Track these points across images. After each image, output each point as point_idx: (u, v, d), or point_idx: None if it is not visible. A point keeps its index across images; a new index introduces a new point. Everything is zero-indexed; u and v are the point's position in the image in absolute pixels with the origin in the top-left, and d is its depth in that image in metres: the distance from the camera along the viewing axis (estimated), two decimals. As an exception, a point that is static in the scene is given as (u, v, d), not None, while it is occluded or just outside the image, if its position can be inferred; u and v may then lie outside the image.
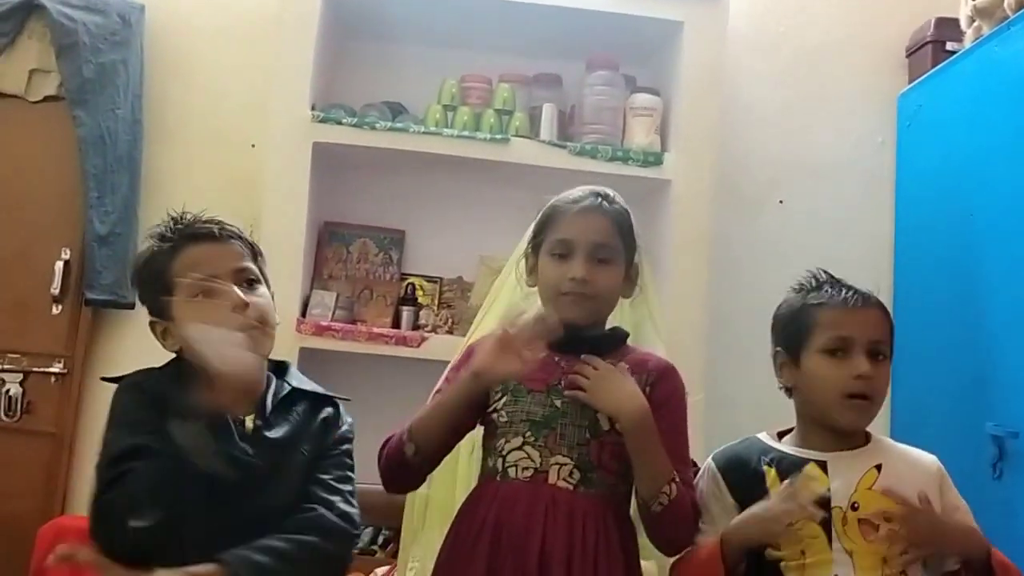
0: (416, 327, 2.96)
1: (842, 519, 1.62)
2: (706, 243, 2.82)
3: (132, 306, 2.90)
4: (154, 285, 1.60)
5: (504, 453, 1.59)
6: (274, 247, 2.80)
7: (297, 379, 1.70)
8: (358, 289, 3.02)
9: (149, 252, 1.63)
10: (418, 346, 2.83)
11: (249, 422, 1.57)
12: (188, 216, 1.66)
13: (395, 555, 2.58)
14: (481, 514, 1.57)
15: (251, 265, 1.66)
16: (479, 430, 1.72)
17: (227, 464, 1.46)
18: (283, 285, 2.79)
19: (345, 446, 1.68)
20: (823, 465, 1.65)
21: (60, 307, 2.87)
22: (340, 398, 1.74)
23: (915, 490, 1.65)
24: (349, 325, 2.87)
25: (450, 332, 2.95)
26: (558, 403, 1.59)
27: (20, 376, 2.78)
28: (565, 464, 1.56)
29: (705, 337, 2.75)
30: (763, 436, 1.76)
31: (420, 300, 3.04)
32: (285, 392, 1.64)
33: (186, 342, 1.53)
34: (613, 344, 1.68)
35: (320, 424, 1.64)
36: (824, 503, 1.61)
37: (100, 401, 2.88)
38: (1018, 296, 2.56)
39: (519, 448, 1.58)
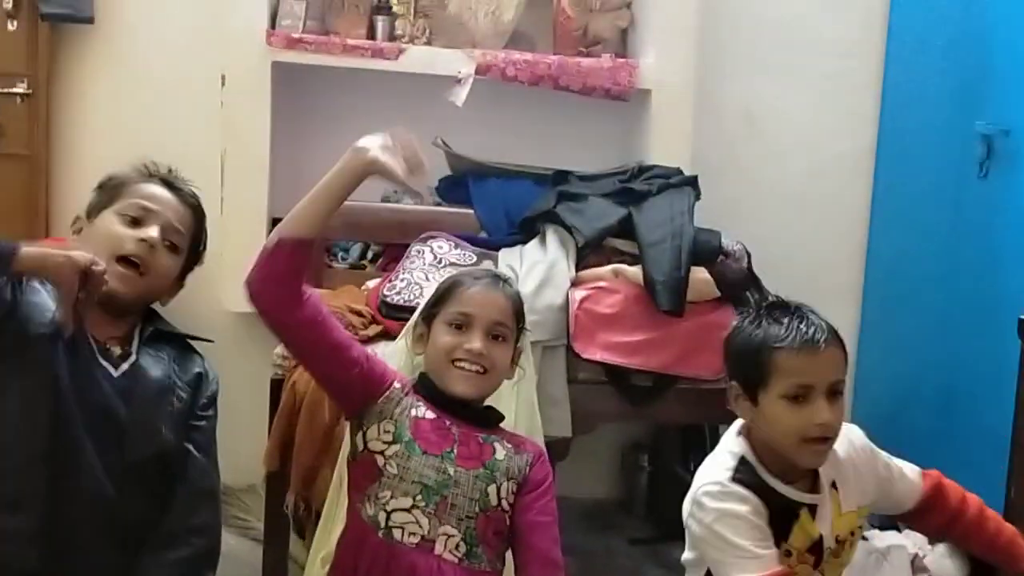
0: (392, 38, 2.83)
1: (832, 553, 1.65)
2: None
3: (91, 20, 2.76)
4: (107, 193, 1.72)
5: (389, 510, 1.55)
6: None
7: (164, 324, 1.74)
8: (329, -2, 2.86)
9: (121, 173, 1.75)
10: (396, 58, 2.72)
11: (115, 349, 1.62)
12: (171, 170, 1.78)
13: (384, 268, 2.62)
14: (363, 571, 1.54)
15: (183, 231, 1.73)
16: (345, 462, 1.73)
17: (88, 380, 1.54)
18: (247, -7, 2.65)
19: (213, 411, 1.73)
20: (812, 509, 1.62)
21: (15, 23, 2.73)
22: (203, 339, 1.78)
23: (866, 484, 1.70)
24: (322, 37, 2.74)
25: (428, 43, 2.83)
26: (451, 471, 1.57)
27: (-16, 99, 2.71)
28: (452, 536, 1.55)
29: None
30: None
31: (395, 9, 2.89)
32: (150, 331, 1.69)
33: (85, 241, 1.65)
34: (494, 421, 1.70)
35: (194, 377, 1.69)
36: (817, 546, 1.61)
37: (70, 122, 2.83)
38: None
39: (407, 511, 1.55)
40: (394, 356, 2.00)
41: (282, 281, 1.54)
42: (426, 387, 1.66)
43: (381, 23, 2.83)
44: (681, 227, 2.38)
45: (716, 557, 1.57)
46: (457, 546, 1.55)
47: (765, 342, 1.61)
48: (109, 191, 1.70)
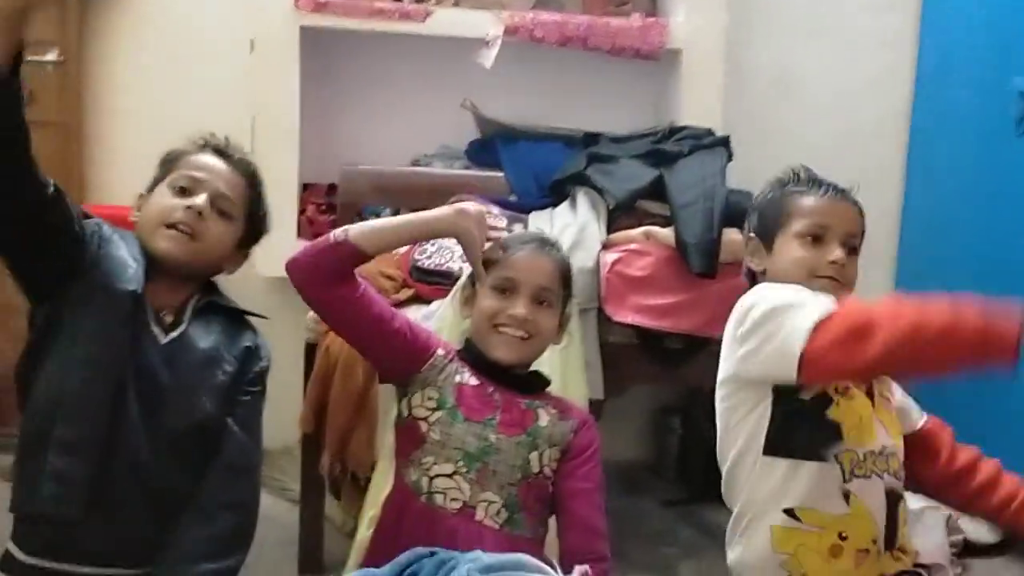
0: (420, 0, 2.81)
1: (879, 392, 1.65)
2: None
3: (120, -13, 2.77)
4: (163, 167, 1.70)
5: (431, 475, 1.56)
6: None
7: (220, 297, 1.71)
8: (356, -40, 2.84)
9: (178, 147, 1.73)
10: (423, 21, 2.71)
11: (168, 317, 1.61)
12: (227, 139, 1.76)
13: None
14: (404, 535, 1.54)
15: (234, 198, 1.70)
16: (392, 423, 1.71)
17: (137, 343, 1.54)
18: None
19: (260, 387, 1.70)
20: None
21: (45, -8, 2.75)
22: (258, 315, 1.75)
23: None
24: (349, 0, 2.72)
25: (456, 5, 2.81)
26: (492, 438, 1.57)
27: (16, 66, 2.73)
28: (494, 502, 1.55)
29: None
30: None
31: (423, -30, 2.87)
32: (203, 303, 1.67)
33: (143, 216, 1.66)
34: (540, 386, 1.69)
35: (243, 351, 1.66)
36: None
37: (102, 89, 2.84)
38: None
39: (449, 476, 1.56)
40: (443, 321, 2.00)
41: (328, 275, 1.57)
42: (470, 352, 1.65)
43: (409, -15, 2.82)
44: (713, 188, 2.36)
45: (777, 339, 1.47)
46: (498, 512, 1.55)
47: (785, 190, 1.72)
48: (165, 165, 1.69)
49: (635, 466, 3.04)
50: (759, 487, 1.56)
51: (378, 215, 2.78)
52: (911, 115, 3.08)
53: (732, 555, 1.62)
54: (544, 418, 1.62)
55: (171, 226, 1.61)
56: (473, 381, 1.61)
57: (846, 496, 1.53)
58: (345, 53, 2.88)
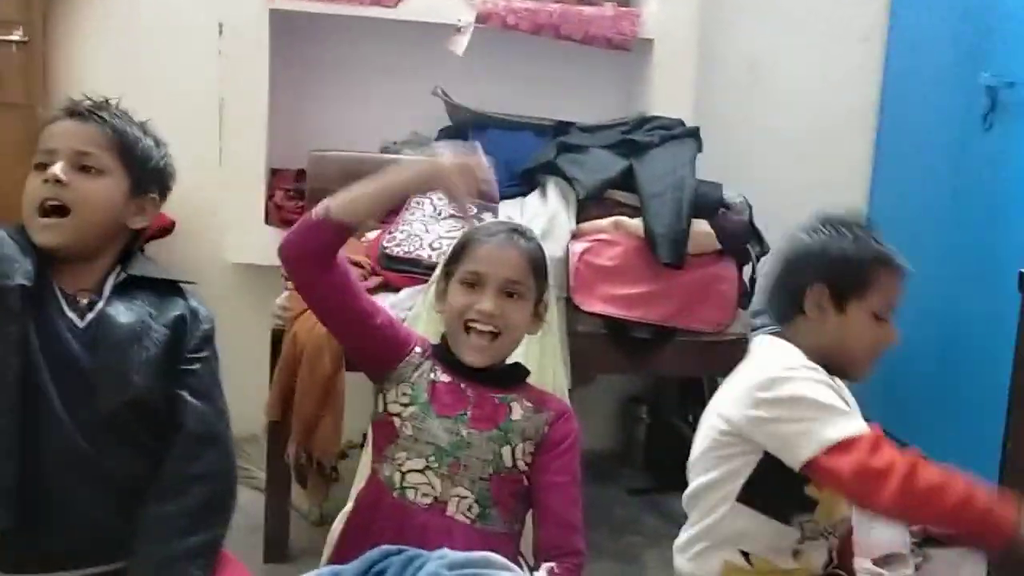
0: (392, -15, 2.80)
1: None
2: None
3: (85, -33, 2.72)
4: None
5: (404, 470, 1.56)
6: None
7: (140, 267, 1.60)
8: (327, -56, 2.81)
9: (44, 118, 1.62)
10: (394, 6, 2.69)
11: (83, 299, 1.53)
12: (85, 98, 1.61)
13: (384, 220, 2.61)
14: (376, 530, 1.54)
15: (95, 151, 1.56)
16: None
17: (52, 332, 1.47)
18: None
19: (209, 351, 1.60)
20: None
21: (9, -30, 2.70)
22: (185, 282, 1.63)
23: None
24: (321, -16, 2.71)
25: (428, -10, 2.80)
26: (464, 433, 1.56)
27: (-22, 47, 2.69)
28: (465, 497, 1.54)
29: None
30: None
31: (395, -46, 2.85)
32: (122, 279, 1.56)
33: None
34: (516, 379, 1.66)
35: (175, 320, 1.57)
36: None
37: (67, 70, 2.80)
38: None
39: (420, 471, 1.55)
40: (417, 318, 2.00)
41: (318, 253, 1.55)
42: (443, 352, 1.63)
43: (380, -30, 2.80)
44: (682, 179, 2.37)
45: (796, 428, 1.48)
46: (470, 508, 1.55)
47: (879, 256, 1.64)
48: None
49: (603, 455, 3.06)
50: (723, 524, 1.60)
51: (347, 202, 2.77)
52: (880, 109, 3.10)
53: (683, 566, 1.67)
54: (517, 412, 1.60)
55: (42, 212, 1.52)
56: (445, 378, 1.60)
57: (795, 554, 1.60)
58: (315, 37, 2.86)
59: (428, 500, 1.54)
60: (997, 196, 2.48)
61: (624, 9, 2.81)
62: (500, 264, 1.61)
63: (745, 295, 2.42)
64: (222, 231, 2.61)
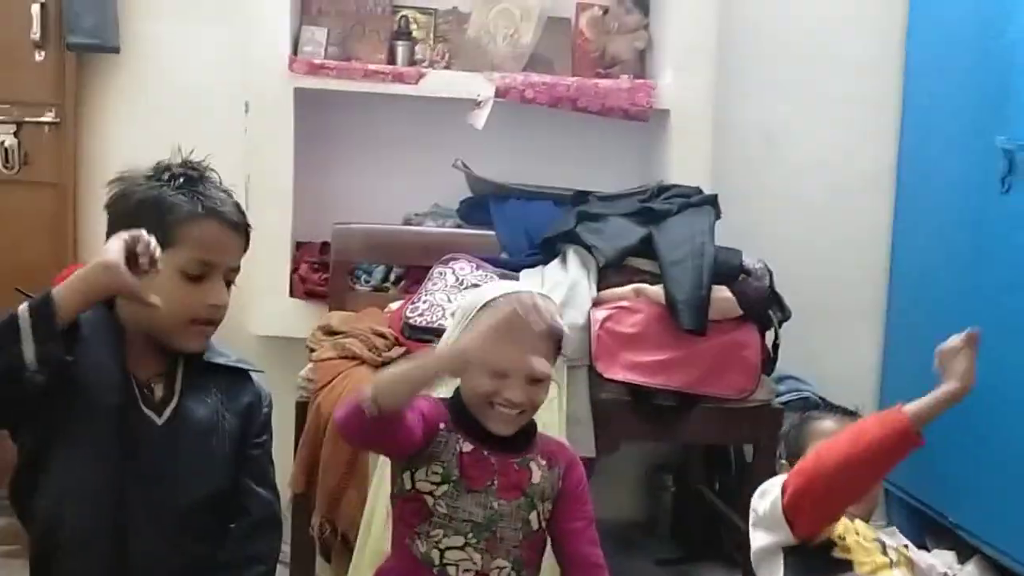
0: (412, 63, 2.86)
1: None
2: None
3: (117, 50, 2.81)
4: (153, 223, 1.47)
5: (442, 548, 1.55)
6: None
7: (211, 353, 1.60)
8: (349, 24, 2.89)
9: (164, 193, 1.53)
10: (416, 83, 2.75)
11: (159, 390, 1.52)
12: (208, 171, 1.60)
13: (407, 291, 2.64)
14: None
15: (239, 266, 1.60)
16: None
17: (133, 434, 1.46)
18: (270, 22, 2.69)
19: (267, 435, 1.65)
20: None
21: (43, 54, 2.79)
22: (255, 370, 1.65)
23: None
24: (343, 63, 2.77)
25: (447, 67, 2.86)
26: (495, 505, 1.56)
27: (13, 127, 2.75)
28: (504, 567, 1.57)
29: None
30: None
31: (415, 34, 2.93)
32: (195, 365, 1.57)
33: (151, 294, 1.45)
34: (529, 438, 1.65)
35: (244, 407, 1.60)
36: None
37: (97, 149, 2.87)
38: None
39: (461, 548, 1.55)
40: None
41: (367, 435, 1.50)
42: (462, 416, 1.60)
43: (401, 48, 2.87)
44: (702, 246, 2.38)
45: (766, 498, 1.71)
46: (508, 575, 1.57)
47: (805, 416, 1.94)
48: (152, 222, 1.47)
49: (628, 524, 3.02)
50: None
51: (370, 273, 2.80)
52: (897, 173, 3.12)
53: None
54: (536, 474, 1.61)
55: (196, 321, 1.51)
56: (468, 447, 1.58)
57: None
58: (339, 113, 2.92)
59: (471, 575, 1.55)
60: (1017, 258, 2.47)
61: (640, 81, 2.86)
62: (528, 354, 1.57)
63: (768, 361, 2.41)
64: (247, 303, 2.63)
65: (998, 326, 2.52)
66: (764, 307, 2.41)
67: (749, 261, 2.44)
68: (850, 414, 1.90)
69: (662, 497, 3.03)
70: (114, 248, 1.37)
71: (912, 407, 1.60)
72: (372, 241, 2.70)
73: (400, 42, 2.88)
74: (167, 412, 1.51)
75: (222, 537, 1.55)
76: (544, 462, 1.63)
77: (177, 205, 1.50)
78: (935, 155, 2.93)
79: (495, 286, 1.72)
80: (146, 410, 1.50)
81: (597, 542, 1.63)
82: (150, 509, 1.48)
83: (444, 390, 1.67)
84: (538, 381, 1.58)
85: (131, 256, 1.37)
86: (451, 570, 1.55)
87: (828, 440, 1.69)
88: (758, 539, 1.73)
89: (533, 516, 1.59)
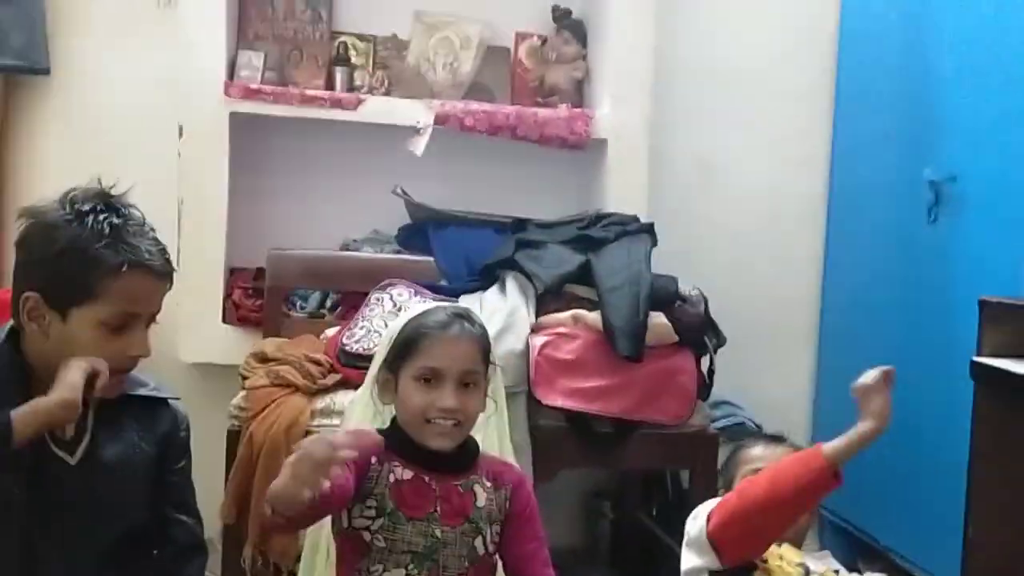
0: (351, 89, 2.86)
1: None
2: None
3: (47, 71, 2.76)
4: (72, 276, 1.43)
5: None
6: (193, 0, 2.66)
7: (127, 383, 1.55)
8: (287, 49, 2.87)
9: (79, 242, 1.44)
10: (355, 108, 2.74)
11: (69, 428, 1.46)
12: (128, 208, 1.52)
13: (343, 317, 2.61)
14: None
15: (160, 308, 1.55)
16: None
17: (43, 478, 1.41)
18: (206, 45, 2.66)
19: (185, 460, 1.62)
20: None
21: (-31, 75, 2.72)
22: (172, 398, 1.62)
23: None
24: (280, 88, 2.75)
25: (387, 94, 2.86)
26: (438, 533, 1.53)
27: (-64, 149, 2.69)
28: None
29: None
30: None
31: (354, 60, 2.92)
32: (109, 400, 1.51)
33: (61, 347, 1.43)
34: (471, 458, 1.63)
35: (162, 437, 1.56)
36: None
37: (25, 173, 2.80)
38: (965, 39, 2.52)
39: None
40: (356, 406, 1.95)
41: (310, 516, 1.46)
42: (401, 443, 1.58)
43: (340, 74, 2.85)
44: (639, 273, 2.40)
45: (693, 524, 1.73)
46: None
47: (737, 444, 1.99)
48: (80, 275, 1.42)
49: (567, 551, 3.00)
50: None
51: (305, 299, 2.77)
52: (828, 202, 3.19)
53: None
54: (481, 496, 1.58)
55: (115, 371, 1.46)
56: (407, 475, 1.55)
57: None
58: (275, 138, 2.89)
59: None
60: (946, 286, 2.53)
61: (577, 110, 2.89)
62: (456, 359, 1.58)
63: (704, 387, 2.43)
64: (179, 330, 2.59)
65: (927, 351, 2.59)
66: (700, 333, 2.43)
67: (685, 288, 2.46)
68: (777, 439, 1.92)
69: (600, 523, 3.03)
70: (73, 385, 1.34)
71: (830, 447, 1.61)
72: (308, 267, 2.67)
73: (339, 68, 2.87)
74: (79, 451, 1.46)
75: (143, 565, 1.51)
76: (489, 483, 1.61)
77: (102, 259, 1.43)
78: (865, 185, 3.00)
79: (416, 308, 1.71)
80: (57, 451, 1.45)
81: (549, 562, 1.62)
82: (65, 548, 1.43)
83: (378, 422, 1.66)
84: (467, 385, 1.58)
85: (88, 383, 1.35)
86: None
87: (751, 477, 1.72)
88: (688, 560, 1.75)
89: (479, 542, 1.56)
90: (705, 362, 2.46)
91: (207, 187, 2.68)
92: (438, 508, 1.55)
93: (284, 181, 2.92)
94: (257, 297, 2.71)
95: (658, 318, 2.36)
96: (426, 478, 1.56)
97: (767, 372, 3.11)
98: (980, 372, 1.99)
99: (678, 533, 2.55)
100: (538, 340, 2.32)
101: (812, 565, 1.76)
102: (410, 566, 1.52)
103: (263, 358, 2.35)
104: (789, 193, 3.19)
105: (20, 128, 2.81)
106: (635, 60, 2.86)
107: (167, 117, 2.72)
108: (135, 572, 1.51)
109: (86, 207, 1.47)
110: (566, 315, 2.39)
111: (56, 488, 1.44)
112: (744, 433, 2.79)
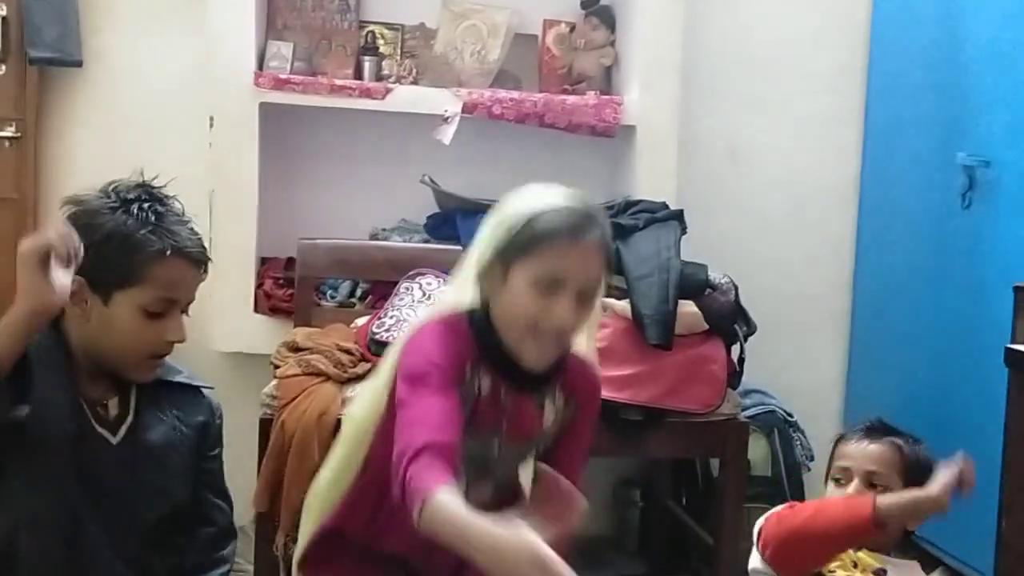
0: (379, 78, 2.86)
1: None
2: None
3: (79, 64, 2.78)
4: (116, 260, 1.47)
5: None
6: (223, -5, 2.68)
7: (164, 369, 1.59)
8: (315, 39, 2.88)
9: (123, 228, 1.48)
10: (383, 98, 2.74)
11: (112, 407, 1.51)
12: (169, 199, 1.55)
13: (373, 306, 2.63)
14: (383, 518, 1.47)
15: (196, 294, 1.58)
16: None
17: (86, 456, 1.44)
18: (235, 36, 2.68)
19: (219, 448, 1.66)
20: None
21: (4, 68, 2.75)
22: (206, 387, 1.66)
23: None
24: (309, 77, 2.76)
25: (415, 83, 2.86)
26: (496, 449, 1.47)
27: (-28, 143, 2.73)
28: (485, 490, 1.48)
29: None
30: None
31: (382, 49, 2.92)
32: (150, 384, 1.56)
33: (103, 331, 1.47)
34: (556, 370, 1.50)
35: (199, 424, 1.60)
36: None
37: (58, 164, 2.83)
38: (999, 21, 2.49)
39: None
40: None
41: None
42: (494, 351, 1.43)
43: (368, 63, 2.86)
44: (668, 261, 2.39)
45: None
46: (488, 494, 1.47)
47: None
48: (111, 265, 1.45)
49: (595, 540, 3.01)
50: None
51: (336, 288, 2.79)
52: (860, 188, 3.16)
53: None
54: (550, 415, 1.49)
55: (154, 356, 1.51)
56: (487, 385, 1.43)
57: None
58: (305, 128, 2.90)
59: None
60: (979, 273, 2.50)
61: (606, 97, 2.87)
62: (584, 268, 1.41)
63: (734, 375, 2.42)
64: (210, 320, 2.61)
65: (960, 338, 2.56)
66: (730, 321, 2.42)
67: (714, 275, 2.45)
68: (875, 432, 1.85)
69: (629, 512, 3.03)
70: (34, 287, 1.33)
71: (885, 500, 1.62)
72: (338, 256, 2.68)
73: (367, 57, 2.87)
74: (122, 431, 1.50)
75: (179, 547, 1.55)
76: (561, 398, 1.50)
77: (146, 245, 1.47)
78: (897, 170, 2.97)
79: (539, 193, 1.50)
80: (100, 430, 1.49)
81: (581, 470, 1.53)
82: (110, 530, 1.46)
83: (467, 302, 1.48)
84: (587, 298, 1.42)
85: (46, 259, 1.34)
86: None
87: (796, 505, 1.75)
88: (755, 560, 1.75)
89: (532, 454, 1.51)
90: (735, 350, 2.45)
91: (238, 177, 2.70)
92: (504, 425, 1.45)
93: (313, 171, 2.93)
94: (288, 287, 2.73)
95: (687, 306, 2.36)
96: (503, 391, 1.44)
97: (798, 360, 3.09)
98: (1015, 359, 1.97)
99: (707, 522, 2.57)
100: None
101: (893, 573, 1.74)
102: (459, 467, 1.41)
103: (294, 347, 2.37)
104: (820, 179, 3.16)
105: (53, 120, 2.84)
106: (664, 46, 2.84)
107: (198, 108, 2.74)
108: (173, 554, 1.53)
109: (130, 196, 1.52)
110: (594, 303, 2.39)
111: (102, 469, 1.47)
112: (775, 420, 2.78)
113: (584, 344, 1.59)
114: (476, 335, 1.44)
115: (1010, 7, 2.45)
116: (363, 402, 1.55)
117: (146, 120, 2.84)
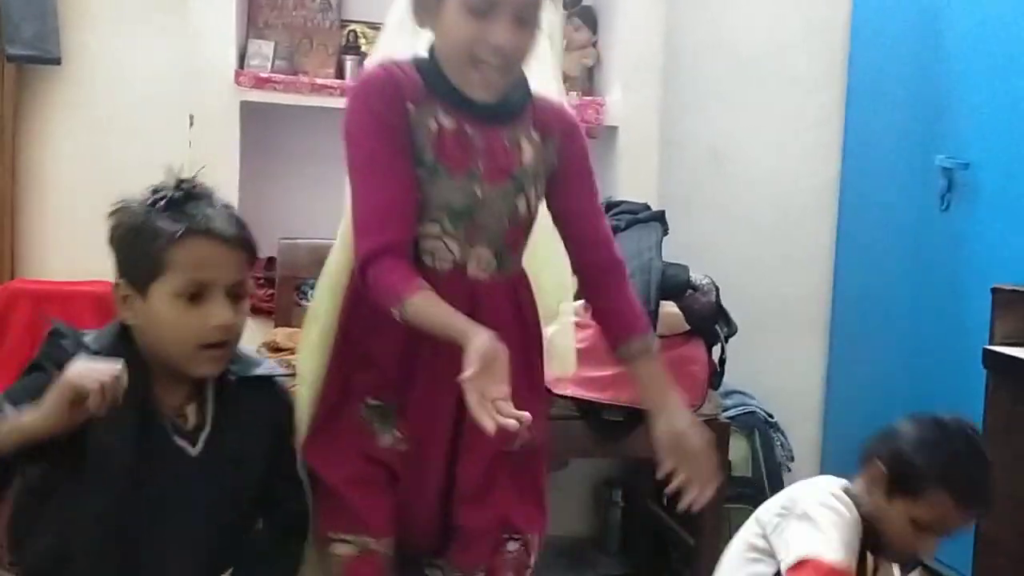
0: (361, 76, 2.85)
1: None
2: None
3: (58, 61, 2.76)
4: (141, 252, 1.42)
5: (417, 235, 1.43)
6: (203, -8, 2.66)
7: (241, 364, 1.53)
8: (297, 38, 2.87)
9: (148, 220, 1.44)
10: (364, 96, 2.73)
11: (191, 415, 1.46)
12: (196, 188, 1.51)
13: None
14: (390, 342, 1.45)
15: (244, 279, 1.51)
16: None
17: (164, 467, 1.40)
18: (216, 34, 2.66)
19: (292, 427, 1.60)
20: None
21: (-20, 65, 2.73)
22: (283, 375, 1.61)
23: None
24: (290, 76, 2.75)
25: (397, 81, 2.85)
26: (478, 191, 1.42)
27: (-52, 138, 2.70)
28: (483, 255, 1.45)
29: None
30: None
31: (363, 49, 2.91)
32: (228, 382, 1.50)
33: (151, 328, 1.42)
34: (521, 104, 1.46)
35: (279, 420, 1.55)
36: None
37: (37, 162, 2.81)
38: (977, 25, 2.51)
39: (436, 238, 1.43)
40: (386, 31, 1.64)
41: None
42: (441, 83, 1.39)
43: (350, 62, 2.85)
44: (649, 262, 2.39)
45: (787, 537, 1.64)
46: (488, 263, 1.46)
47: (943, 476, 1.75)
48: (144, 254, 1.41)
49: (577, 540, 3.02)
50: None
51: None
52: (840, 190, 3.18)
53: None
54: (528, 152, 1.45)
55: (205, 346, 1.43)
56: (449, 123, 1.40)
57: None
58: (285, 127, 2.89)
59: (448, 265, 1.44)
60: (958, 274, 2.53)
61: (588, 98, 2.88)
62: None
63: (715, 376, 2.43)
64: (191, 320, 2.59)
65: (939, 339, 2.58)
66: (711, 322, 2.43)
67: (696, 276, 2.46)
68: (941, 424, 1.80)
69: (611, 512, 3.03)
70: (55, 410, 1.27)
71: None
72: (319, 256, 2.61)
73: (348, 56, 2.86)
74: (201, 441, 1.44)
75: (245, 539, 1.52)
76: (537, 135, 1.47)
77: (160, 230, 1.42)
78: (877, 173, 2.99)
79: None
80: (179, 441, 1.43)
81: (603, 215, 1.52)
82: (173, 540, 1.42)
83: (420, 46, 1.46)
84: (525, 22, 1.38)
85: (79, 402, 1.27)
86: (427, 259, 1.44)
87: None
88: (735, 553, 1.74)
89: (521, 201, 1.45)
90: (716, 351, 2.45)
91: (218, 176, 2.63)
92: (480, 164, 1.42)
93: (294, 170, 2.92)
94: (268, 287, 2.72)
95: (669, 307, 2.36)
96: (468, 128, 1.42)
97: (779, 361, 3.11)
98: (992, 360, 1.99)
99: (688, 522, 2.57)
100: (549, 329, 2.31)
101: None
102: (445, 223, 1.43)
103: (275, 347, 2.35)
104: (801, 181, 3.18)
105: (32, 117, 2.81)
106: (646, 47, 2.85)
107: (178, 106, 2.72)
108: (239, 550, 1.51)
109: (158, 191, 1.47)
110: (577, 303, 2.38)
111: (175, 481, 1.41)
112: (755, 421, 2.79)
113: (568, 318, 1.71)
114: (424, 75, 1.42)
115: (988, 11, 2.47)
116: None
117: (125, 118, 2.83)
